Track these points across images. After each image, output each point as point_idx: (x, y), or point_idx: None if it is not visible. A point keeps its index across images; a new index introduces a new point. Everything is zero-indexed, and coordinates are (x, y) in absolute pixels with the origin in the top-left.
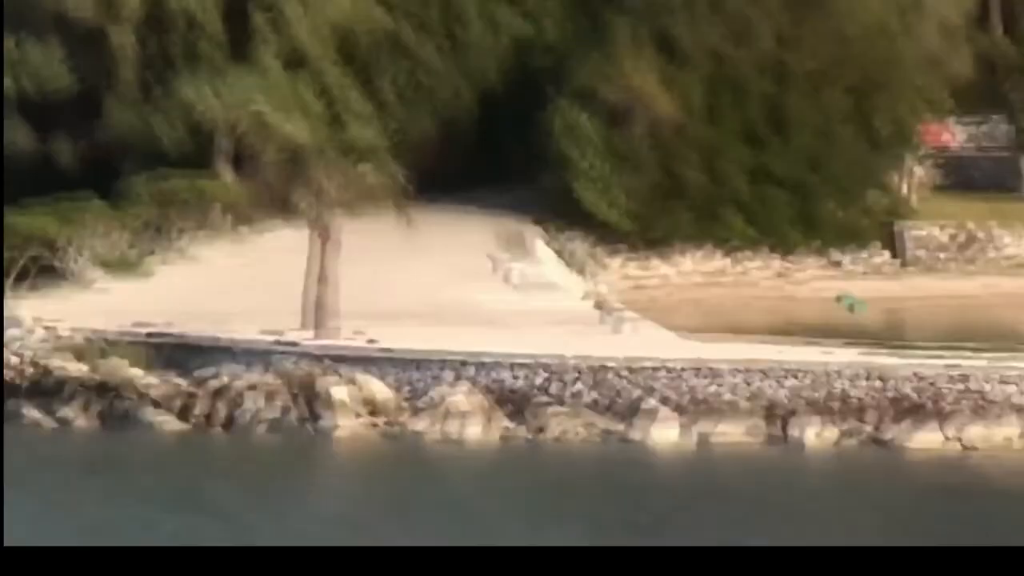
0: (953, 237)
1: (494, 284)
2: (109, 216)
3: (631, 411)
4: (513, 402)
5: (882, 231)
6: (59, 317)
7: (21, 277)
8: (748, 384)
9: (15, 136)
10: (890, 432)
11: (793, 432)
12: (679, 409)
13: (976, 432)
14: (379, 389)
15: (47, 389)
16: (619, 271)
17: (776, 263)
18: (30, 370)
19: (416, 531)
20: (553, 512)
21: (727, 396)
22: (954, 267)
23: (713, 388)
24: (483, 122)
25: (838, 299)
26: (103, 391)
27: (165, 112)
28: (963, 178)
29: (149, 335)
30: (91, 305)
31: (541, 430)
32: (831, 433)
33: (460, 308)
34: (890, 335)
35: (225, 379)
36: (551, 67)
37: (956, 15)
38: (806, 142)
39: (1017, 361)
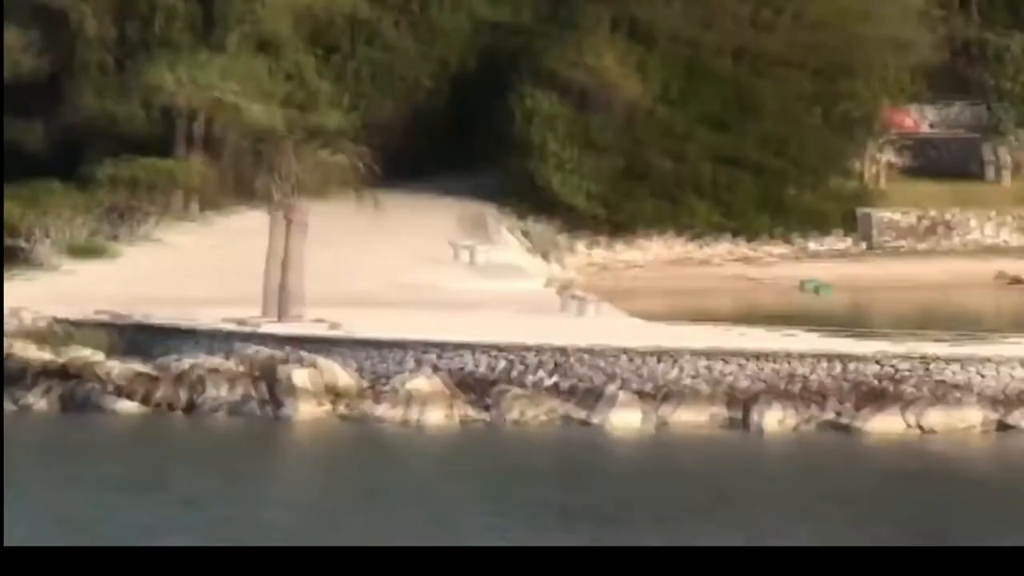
0: (918, 221)
1: (458, 268)
2: (74, 200)
3: (592, 396)
4: (474, 387)
5: (847, 215)
6: (22, 302)
7: None
8: (709, 369)
9: None
10: (851, 417)
11: (754, 417)
12: (640, 394)
13: (937, 417)
14: (340, 374)
15: (10, 374)
16: (584, 255)
17: (741, 247)
18: None
19: (375, 516)
20: (512, 497)
21: (688, 381)
22: (919, 251)
23: (674, 373)
24: (450, 106)
25: (802, 284)
26: (65, 376)
27: (132, 95)
28: (929, 162)
29: (112, 320)
30: (55, 289)
31: (502, 415)
32: (792, 418)
33: (424, 292)
34: (854, 319)
35: (187, 364)
36: (519, 51)
37: None
38: (772, 126)
39: (978, 347)
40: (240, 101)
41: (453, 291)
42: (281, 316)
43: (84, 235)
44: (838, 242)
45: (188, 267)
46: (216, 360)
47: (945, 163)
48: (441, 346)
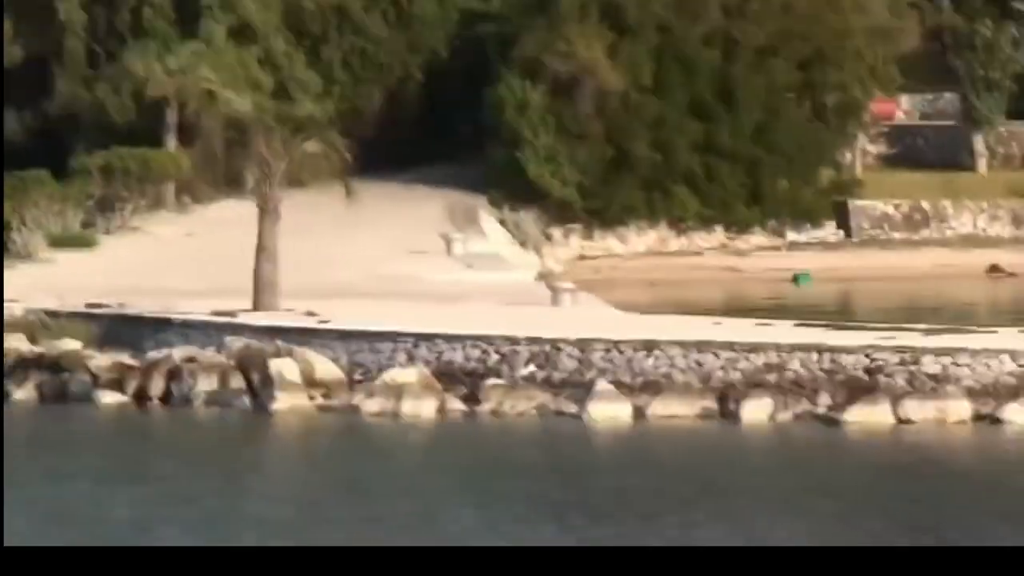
0: (902, 212)
1: (440, 259)
2: (56, 190)
3: (574, 387)
4: (457, 379)
5: (832, 206)
6: (5, 292)
7: None
8: (691, 361)
9: None
10: (833, 409)
11: (736, 408)
12: (622, 386)
13: (920, 409)
14: (321, 364)
15: None
16: (567, 245)
17: (724, 237)
18: None
19: (356, 508)
20: (494, 489)
21: (669, 372)
22: (903, 242)
23: (655, 364)
24: (432, 95)
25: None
26: (45, 367)
27: (113, 84)
28: (913, 153)
29: (92, 309)
30: (37, 279)
31: (483, 405)
32: (774, 410)
33: (405, 283)
34: (838, 311)
35: (167, 354)
36: (501, 40)
37: None
38: (754, 117)
39: (962, 338)
40: (220, 90)
41: (435, 282)
42: (259, 306)
43: (67, 225)
44: (823, 232)
45: (170, 257)
46: (196, 349)
47: (928, 152)
48: (424, 337)
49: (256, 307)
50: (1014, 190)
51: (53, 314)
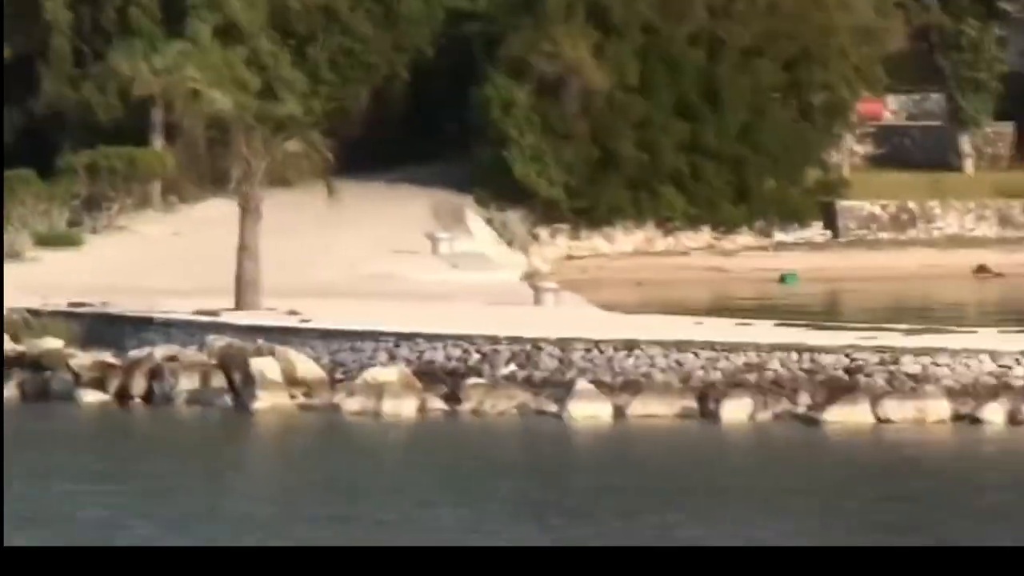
0: (889, 212)
1: (425, 258)
2: (42, 189)
3: (554, 386)
4: (438, 378)
5: (819, 206)
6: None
7: None
8: (672, 360)
9: None
10: (813, 409)
11: (716, 408)
12: (602, 385)
13: (900, 409)
14: (305, 364)
15: None
16: (554, 245)
17: (710, 237)
18: None
19: (336, 507)
20: (474, 488)
21: (649, 371)
22: (889, 242)
23: (635, 363)
24: (417, 94)
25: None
26: (28, 365)
27: (99, 84)
28: (897, 151)
29: (74, 308)
30: (22, 278)
31: (464, 405)
32: (754, 410)
33: (389, 282)
34: (823, 311)
35: (149, 353)
36: (487, 39)
37: None
38: (741, 117)
39: (943, 338)
40: (204, 88)
41: (419, 281)
42: (241, 305)
43: (53, 224)
44: (809, 232)
45: (155, 256)
46: (178, 349)
47: (915, 153)
48: (405, 336)
49: (238, 306)
50: (1001, 190)
51: (36, 313)
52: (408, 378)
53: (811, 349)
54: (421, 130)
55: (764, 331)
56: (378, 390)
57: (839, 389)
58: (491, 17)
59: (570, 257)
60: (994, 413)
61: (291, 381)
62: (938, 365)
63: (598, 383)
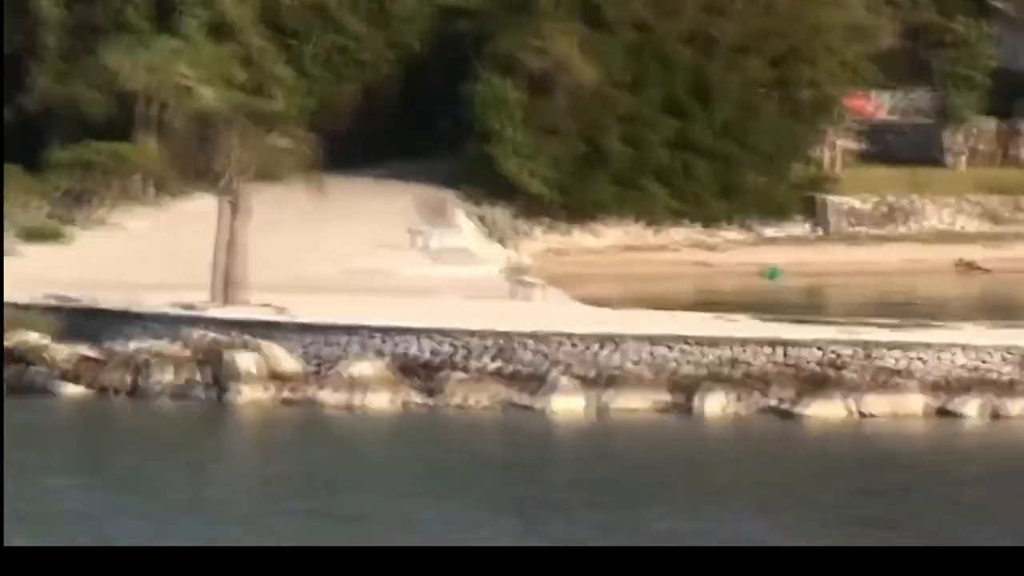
0: (875, 208)
1: (412, 254)
2: (29, 184)
3: (535, 381)
4: (418, 372)
5: (805, 202)
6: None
7: None
8: (652, 355)
9: None
10: (792, 403)
11: (696, 403)
12: (582, 379)
13: (878, 403)
14: (284, 358)
15: None
16: (540, 241)
17: (698, 233)
18: None
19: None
20: (454, 482)
21: (630, 367)
22: (876, 237)
23: (616, 358)
24: (407, 91)
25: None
26: (10, 360)
27: (89, 79)
28: (886, 148)
29: (58, 303)
30: (7, 273)
31: (445, 400)
32: (734, 404)
33: (375, 278)
34: (807, 306)
35: (132, 348)
36: (476, 36)
37: None
38: (729, 113)
39: (920, 333)
40: (192, 84)
41: (405, 277)
42: (226, 300)
43: (40, 219)
44: (795, 228)
45: (141, 251)
46: (161, 344)
47: (903, 149)
48: (385, 331)
49: (221, 300)
50: (988, 186)
51: (19, 307)
52: (388, 372)
53: (790, 344)
54: (412, 126)
55: (743, 326)
56: (358, 384)
57: (817, 383)
58: (482, 14)
59: (556, 252)
60: (971, 407)
61: (272, 375)
62: (916, 360)
63: (577, 377)
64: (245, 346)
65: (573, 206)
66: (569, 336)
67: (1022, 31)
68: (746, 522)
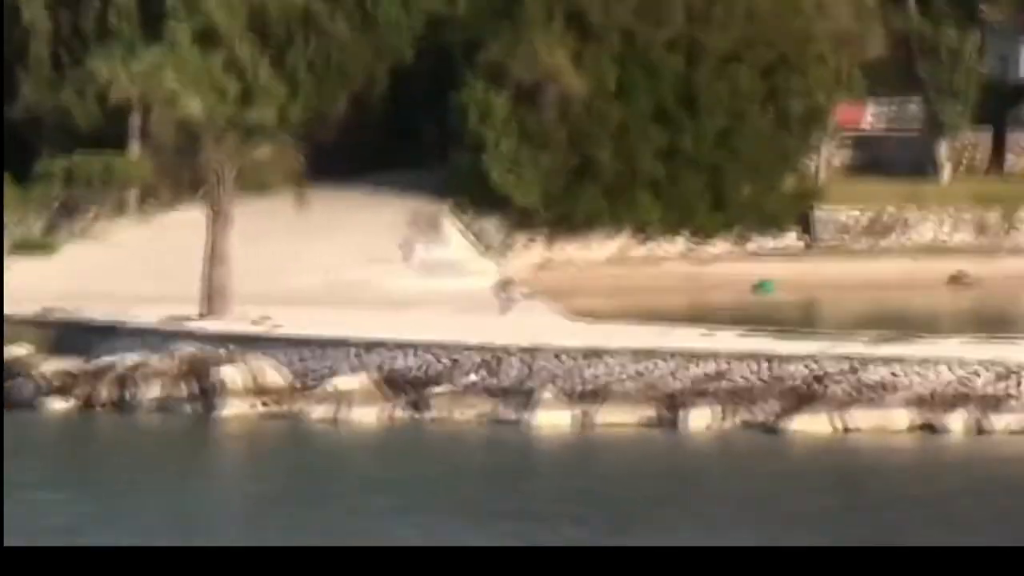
0: (866, 220)
1: (399, 266)
2: (17, 195)
3: (519, 395)
4: (402, 386)
5: (796, 214)
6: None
7: None
8: (637, 369)
9: None
10: (777, 418)
11: (680, 417)
12: (567, 393)
13: (862, 418)
14: (270, 371)
15: None
16: (529, 252)
17: (689, 245)
18: None
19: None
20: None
21: (614, 380)
22: (866, 250)
23: (599, 372)
24: (395, 101)
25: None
26: None
27: (77, 88)
28: (875, 159)
29: (45, 317)
30: None
31: (429, 412)
32: (718, 418)
33: (362, 290)
34: (797, 319)
35: (117, 360)
36: (465, 46)
37: None
38: (718, 123)
39: (904, 348)
40: (179, 94)
41: (392, 289)
42: (212, 312)
43: (28, 231)
44: (786, 240)
45: (129, 263)
46: (147, 356)
47: (894, 161)
48: (370, 344)
49: (207, 313)
50: (978, 198)
51: (6, 319)
52: (373, 386)
53: (775, 358)
54: (400, 136)
55: (730, 340)
56: (343, 397)
57: (803, 398)
58: (470, 24)
59: (545, 265)
60: (955, 422)
61: (258, 389)
62: (901, 375)
63: (562, 391)
64: (230, 359)
65: (563, 218)
66: (555, 350)
67: (1011, 42)
68: (729, 534)
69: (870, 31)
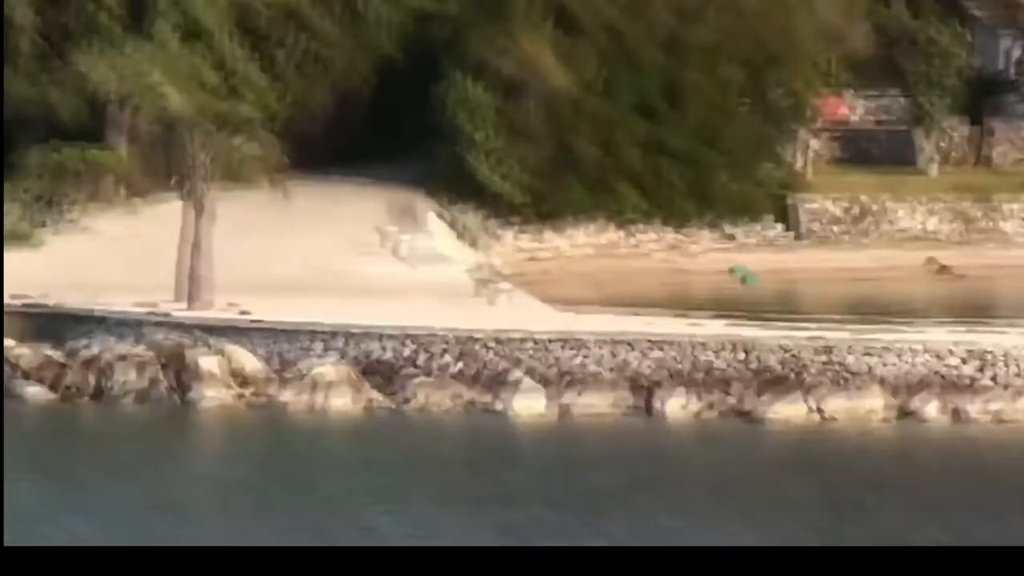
0: (847, 210)
1: (382, 256)
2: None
3: (496, 382)
4: (380, 373)
5: (776, 204)
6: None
7: None
8: (614, 356)
9: None
10: (753, 404)
11: (657, 403)
12: (544, 380)
13: (839, 404)
14: (248, 360)
15: None
16: (512, 244)
17: (669, 236)
18: None
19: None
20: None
21: (592, 368)
22: (848, 240)
23: (579, 359)
24: (380, 94)
25: (731, 271)
26: None
27: (61, 83)
28: (860, 152)
29: (23, 305)
30: None
31: (407, 401)
32: (695, 405)
33: (346, 280)
34: (779, 309)
35: (96, 350)
36: (448, 39)
37: None
38: (701, 115)
39: (880, 334)
40: (161, 88)
41: (374, 279)
42: (191, 302)
43: (10, 222)
44: (767, 231)
45: (112, 255)
46: (125, 346)
47: (876, 153)
48: (347, 332)
49: (187, 303)
50: (962, 190)
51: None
52: (352, 374)
53: (753, 346)
54: (384, 129)
55: (707, 328)
56: (321, 386)
57: (778, 384)
58: (453, 18)
59: (528, 255)
60: (933, 409)
61: (236, 377)
62: (877, 360)
63: (540, 379)
64: (208, 348)
65: (544, 208)
66: (530, 337)
67: (994, 35)
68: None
69: (854, 25)
